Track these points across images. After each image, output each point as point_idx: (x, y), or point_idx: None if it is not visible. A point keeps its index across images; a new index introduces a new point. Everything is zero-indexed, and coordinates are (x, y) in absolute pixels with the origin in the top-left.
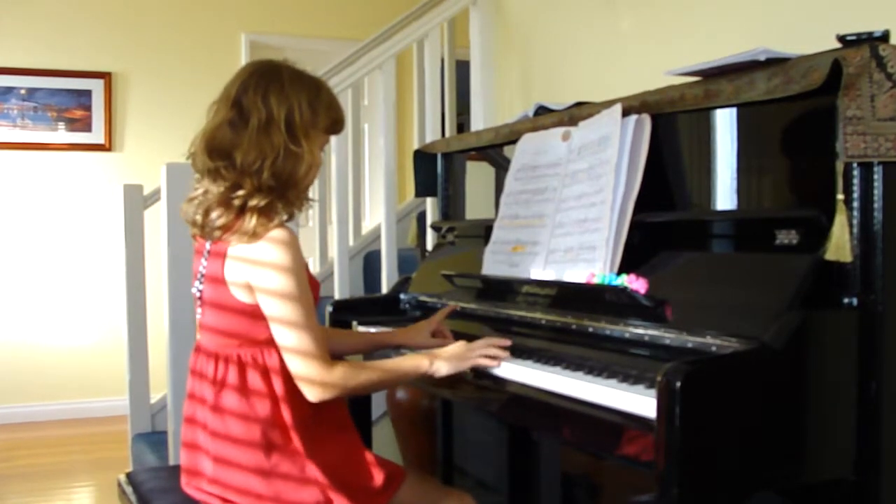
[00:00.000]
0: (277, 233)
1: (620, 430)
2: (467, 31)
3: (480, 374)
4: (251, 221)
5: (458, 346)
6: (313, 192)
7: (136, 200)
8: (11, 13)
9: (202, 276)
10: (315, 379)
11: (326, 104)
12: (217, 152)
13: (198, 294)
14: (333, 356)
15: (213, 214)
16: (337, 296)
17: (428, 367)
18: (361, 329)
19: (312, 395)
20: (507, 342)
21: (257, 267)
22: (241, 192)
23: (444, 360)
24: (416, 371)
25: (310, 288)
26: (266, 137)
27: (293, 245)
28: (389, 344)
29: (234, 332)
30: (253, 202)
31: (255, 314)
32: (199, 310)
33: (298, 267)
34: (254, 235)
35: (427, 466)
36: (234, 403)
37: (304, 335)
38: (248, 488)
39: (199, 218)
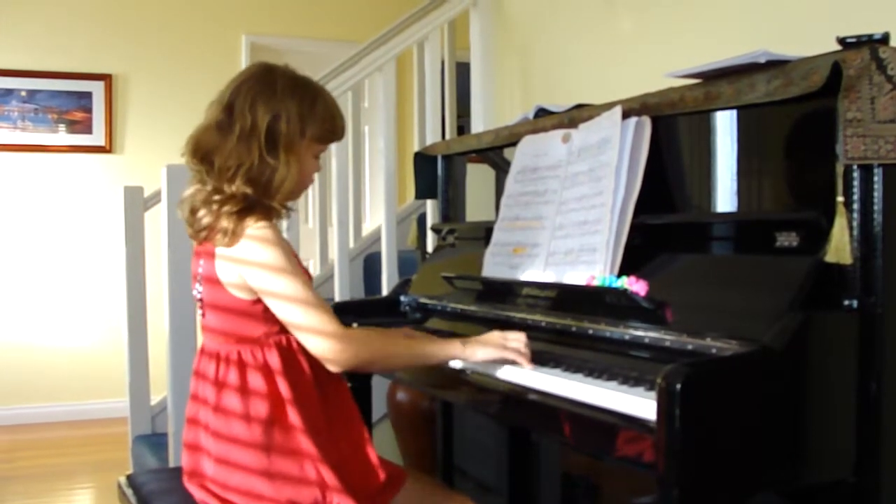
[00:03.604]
0: (256, 230)
1: (620, 431)
2: (467, 33)
3: (481, 374)
4: (226, 222)
5: (494, 334)
6: (313, 194)
7: (137, 202)
8: (11, 15)
9: (200, 277)
10: (335, 347)
11: (321, 115)
12: (199, 155)
13: (198, 296)
14: None
15: (199, 214)
16: (337, 298)
17: (461, 352)
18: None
19: (335, 356)
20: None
21: (250, 267)
22: (218, 197)
23: (480, 346)
24: (446, 353)
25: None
26: (245, 145)
27: (275, 240)
28: None
29: (232, 331)
30: (227, 207)
31: (249, 312)
32: (200, 312)
33: (288, 260)
34: (233, 236)
35: (427, 467)
36: (235, 404)
37: (314, 317)
38: (250, 489)
39: (189, 217)
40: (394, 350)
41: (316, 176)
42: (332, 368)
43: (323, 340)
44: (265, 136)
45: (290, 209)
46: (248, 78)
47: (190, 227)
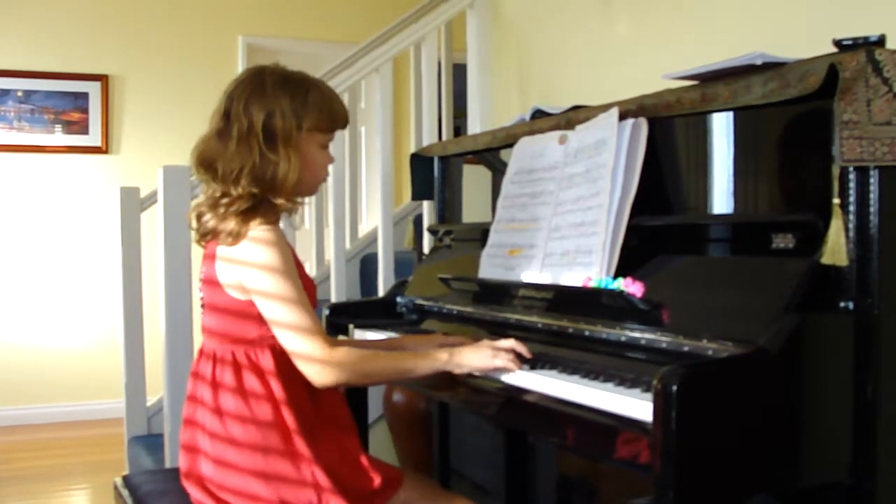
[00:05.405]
0: (258, 231)
1: (617, 433)
2: (464, 34)
3: (476, 376)
4: (231, 223)
5: (481, 346)
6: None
7: (133, 203)
8: (8, 15)
9: (202, 280)
10: (316, 359)
11: (316, 105)
12: (203, 165)
13: (201, 298)
14: None
15: (205, 218)
16: (333, 299)
17: (445, 364)
18: (359, 333)
19: (316, 377)
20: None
21: (245, 267)
22: (225, 200)
23: (465, 359)
24: (431, 365)
25: (303, 285)
26: (245, 147)
27: (275, 242)
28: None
29: (227, 332)
30: (234, 207)
31: (245, 313)
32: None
33: (284, 262)
34: (237, 237)
35: (423, 469)
36: (232, 405)
37: (298, 317)
38: (246, 489)
39: (195, 223)
40: (377, 368)
41: None
42: (314, 379)
43: (305, 364)
44: (263, 134)
45: (299, 203)
46: (241, 83)
47: (195, 231)
